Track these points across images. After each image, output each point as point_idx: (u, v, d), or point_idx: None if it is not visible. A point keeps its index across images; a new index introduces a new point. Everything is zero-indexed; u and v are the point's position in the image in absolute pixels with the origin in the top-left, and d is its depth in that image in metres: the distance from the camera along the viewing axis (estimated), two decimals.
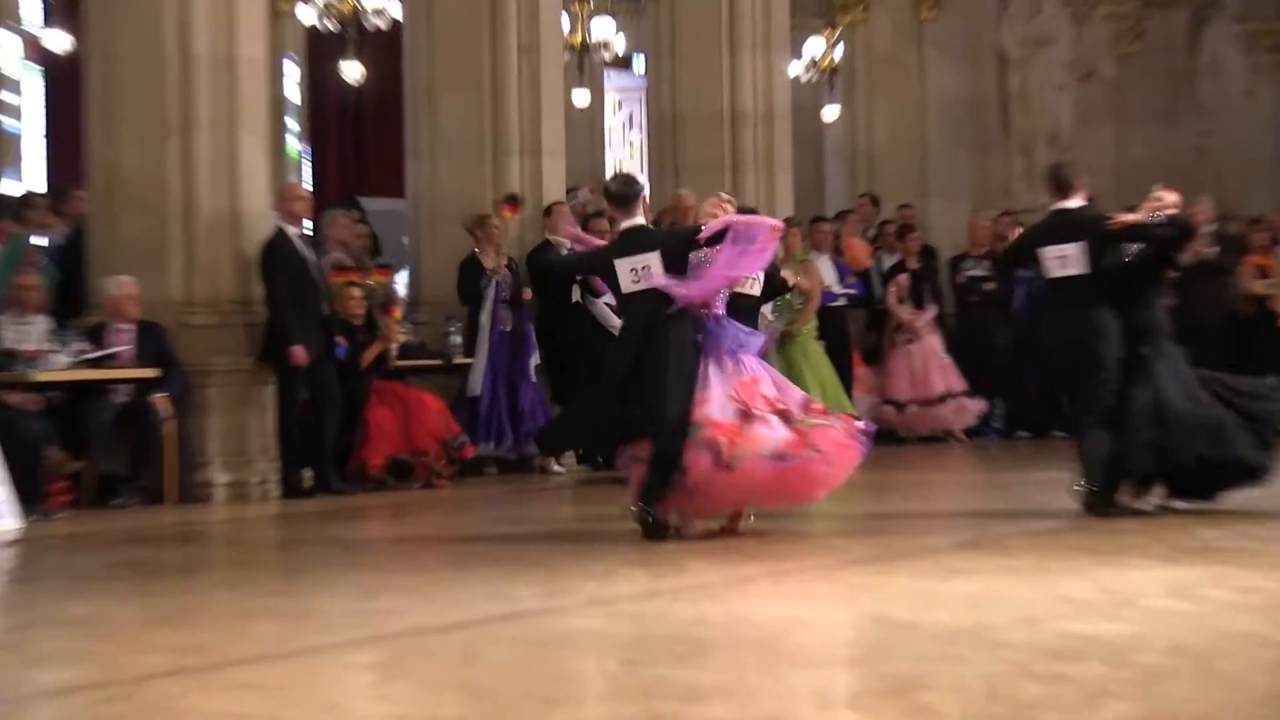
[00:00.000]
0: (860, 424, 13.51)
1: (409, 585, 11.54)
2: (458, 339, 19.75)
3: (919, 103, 27.58)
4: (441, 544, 14.10)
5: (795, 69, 26.41)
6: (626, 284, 13.41)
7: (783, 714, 7.61)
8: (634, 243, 13.50)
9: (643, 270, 13.34)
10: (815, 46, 27.93)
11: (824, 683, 8.42)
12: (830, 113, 28.83)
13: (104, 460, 16.95)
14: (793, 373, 19.86)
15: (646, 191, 23.56)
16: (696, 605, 10.44)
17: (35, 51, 24.10)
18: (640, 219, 13.74)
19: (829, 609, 10.51)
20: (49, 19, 22.38)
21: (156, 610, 10.75)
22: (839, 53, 28.05)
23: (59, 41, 21.77)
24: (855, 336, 23.07)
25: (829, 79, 28.22)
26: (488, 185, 20.41)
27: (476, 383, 19.36)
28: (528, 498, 18.04)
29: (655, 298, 13.30)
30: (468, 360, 19.66)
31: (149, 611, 10.69)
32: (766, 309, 18.20)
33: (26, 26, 24.18)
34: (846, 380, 21.96)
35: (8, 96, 24.63)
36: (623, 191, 13.76)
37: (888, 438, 21.37)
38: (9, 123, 24.60)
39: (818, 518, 15.39)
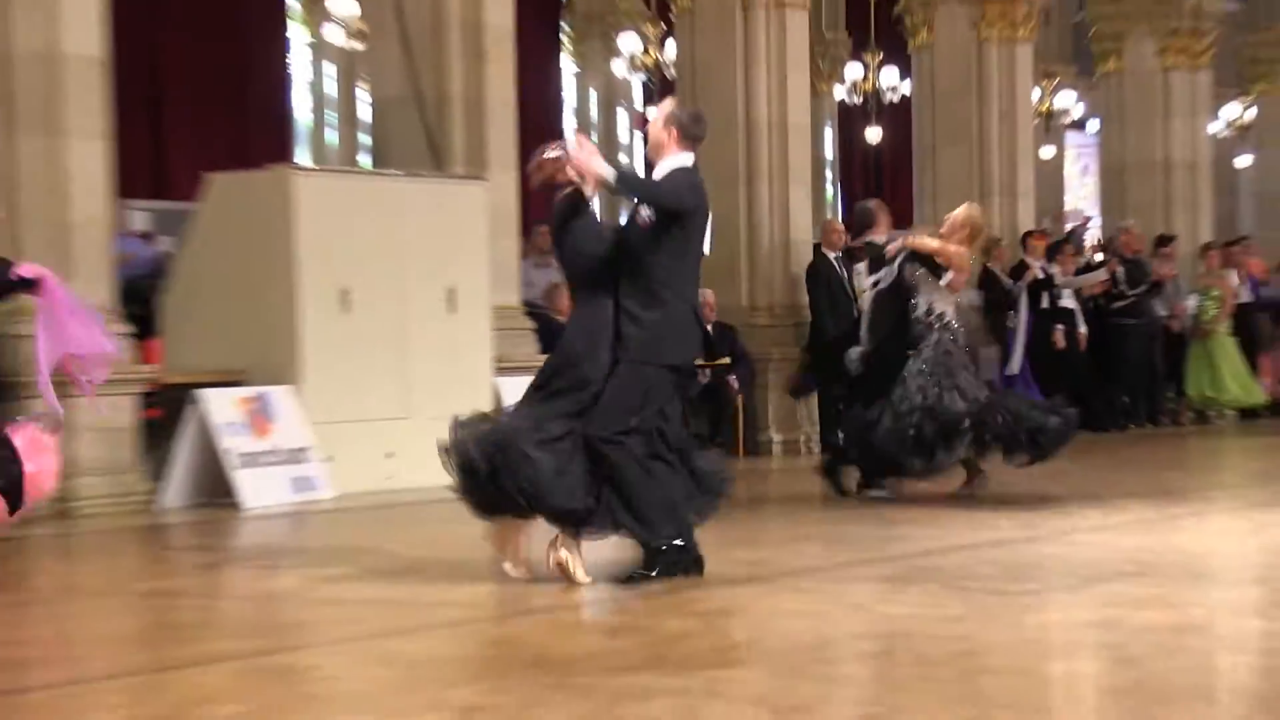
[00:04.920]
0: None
1: (917, 518, 11.66)
2: None
3: None
4: (937, 490, 13.24)
5: (1216, 127, 26.38)
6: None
7: (1206, 620, 7.76)
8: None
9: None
10: (1231, 110, 28.05)
11: (1236, 596, 8.58)
12: (1242, 161, 29.05)
13: (694, 424, 16.64)
14: (1209, 365, 20.85)
15: (1097, 224, 24.14)
16: (1136, 536, 10.47)
17: (639, 122, 24.34)
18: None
19: (1241, 540, 10.48)
20: (649, 98, 22.69)
21: (733, 534, 10.76)
22: (1250, 114, 28.12)
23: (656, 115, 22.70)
24: (1263, 333, 22.41)
25: (1242, 135, 28.39)
26: None
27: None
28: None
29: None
30: None
31: (727, 534, 10.59)
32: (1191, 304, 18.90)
33: (635, 105, 24.68)
34: (1253, 367, 21.86)
35: (624, 159, 24.55)
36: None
37: None
38: None
39: (1229, 469, 15.82)
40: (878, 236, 13.52)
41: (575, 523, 8.80)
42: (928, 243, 13.01)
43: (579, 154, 8.71)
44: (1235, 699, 6.40)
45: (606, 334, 8.85)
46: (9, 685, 6.74)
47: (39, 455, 9.62)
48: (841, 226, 18.19)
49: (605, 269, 8.92)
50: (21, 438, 9.57)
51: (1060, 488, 13.64)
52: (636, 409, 8.78)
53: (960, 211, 13.30)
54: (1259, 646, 7.25)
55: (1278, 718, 5.90)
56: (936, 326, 12.86)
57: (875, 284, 13.17)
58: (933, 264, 12.91)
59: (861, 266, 13.24)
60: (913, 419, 12.62)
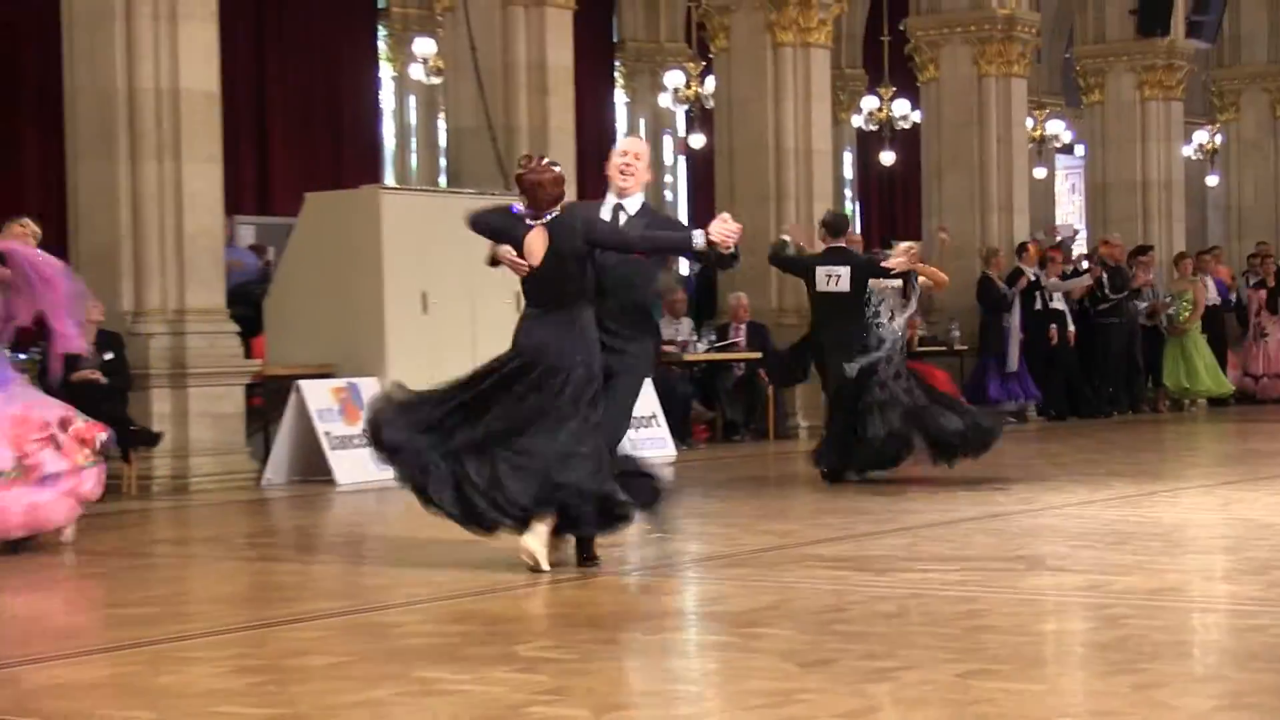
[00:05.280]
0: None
1: (925, 494, 11.64)
2: (957, 332, 19.99)
3: (1275, 174, 27.38)
4: (944, 469, 12.84)
5: (1187, 151, 26.38)
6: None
7: (1181, 584, 7.74)
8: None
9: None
10: (1201, 136, 28.10)
11: (1207, 563, 8.54)
12: (1211, 180, 28.89)
13: (729, 411, 17.47)
14: (1184, 359, 20.80)
15: (1084, 236, 24.14)
16: (1118, 510, 10.44)
17: (682, 147, 24.72)
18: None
19: (1211, 514, 10.36)
20: (691, 126, 22.95)
21: (763, 507, 11.09)
22: (1219, 139, 28.15)
23: (697, 141, 22.49)
24: (1230, 332, 22.49)
25: (1210, 158, 28.41)
26: (976, 232, 20.61)
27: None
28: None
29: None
30: (963, 347, 19.88)
31: (758, 508, 10.99)
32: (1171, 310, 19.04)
33: (679, 132, 24.83)
34: (1222, 362, 21.88)
35: (668, 179, 25.54)
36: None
37: (1249, 400, 21.75)
38: (669, 195, 25.43)
39: (1201, 451, 15.66)
40: (843, 243, 13.15)
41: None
42: (938, 274, 13.10)
43: (732, 229, 8.19)
44: (1207, 653, 6.40)
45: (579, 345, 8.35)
46: (132, 638, 6.75)
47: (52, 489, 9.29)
48: (859, 238, 18.12)
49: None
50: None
51: (1052, 467, 13.67)
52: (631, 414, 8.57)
53: (917, 247, 13.30)
54: (1227, 608, 7.23)
55: (1244, 669, 5.85)
56: (895, 336, 12.78)
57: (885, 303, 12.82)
58: (907, 284, 12.79)
59: (844, 271, 12.56)
60: (913, 413, 12.48)
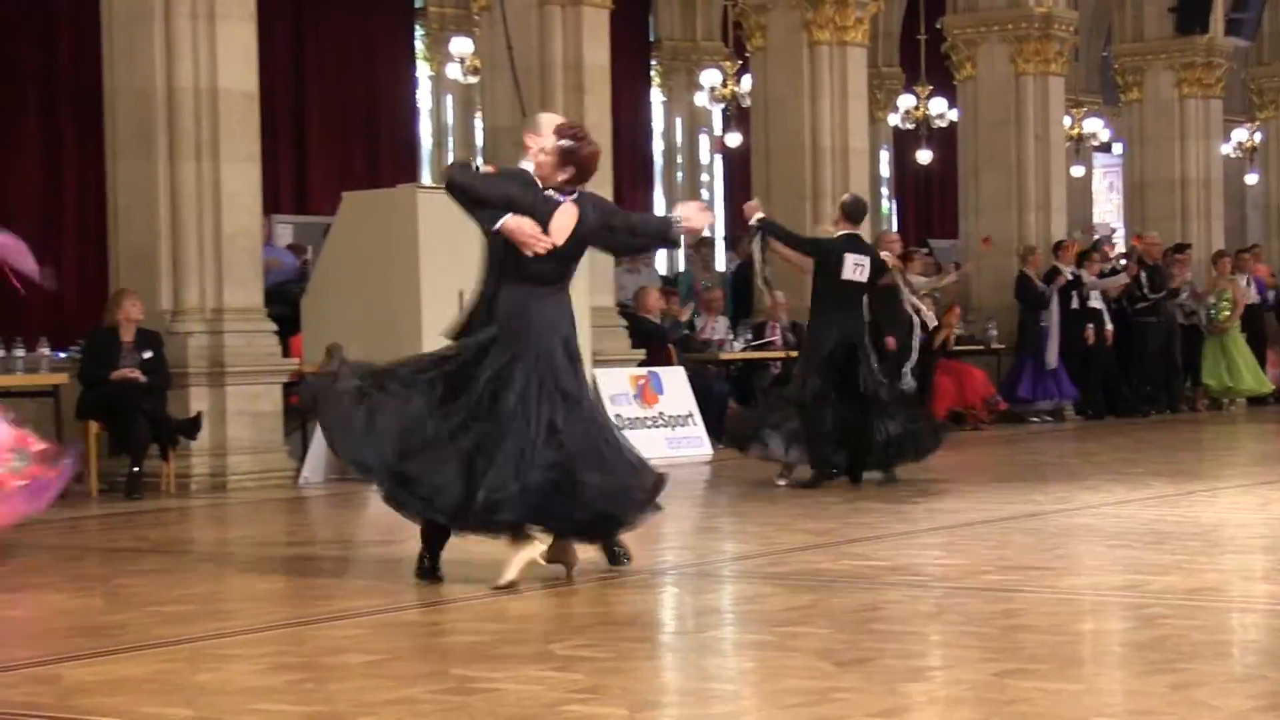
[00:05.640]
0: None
1: (960, 492, 11.74)
2: (994, 331, 20.12)
3: None
4: (981, 469, 13.55)
5: (1226, 149, 26.36)
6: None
7: (1219, 584, 7.70)
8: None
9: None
10: (1240, 134, 27.93)
11: (1246, 563, 8.51)
12: (1250, 179, 28.78)
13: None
14: (1225, 357, 20.87)
15: (1121, 234, 24.36)
16: (1156, 510, 10.43)
17: (719, 146, 24.60)
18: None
19: (1250, 513, 10.31)
20: (727, 125, 22.94)
21: (799, 506, 11.02)
22: (1258, 137, 28.03)
23: (733, 140, 22.52)
24: (1270, 331, 22.45)
25: (1250, 156, 28.23)
26: (1014, 232, 20.69)
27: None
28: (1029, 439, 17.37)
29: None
30: (1000, 346, 19.98)
31: (794, 507, 10.95)
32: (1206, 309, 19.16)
33: (715, 131, 24.74)
34: (1261, 360, 21.86)
35: (704, 177, 25.64)
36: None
37: None
38: (705, 194, 25.29)
39: (1240, 450, 15.65)
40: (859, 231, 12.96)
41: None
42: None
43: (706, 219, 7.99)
44: (1246, 653, 6.37)
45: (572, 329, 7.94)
46: (170, 636, 6.78)
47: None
48: (896, 236, 18.14)
49: None
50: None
51: (1089, 466, 13.67)
52: None
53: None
54: (1266, 607, 7.19)
55: None
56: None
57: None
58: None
59: (867, 260, 12.34)
60: (909, 417, 12.64)
